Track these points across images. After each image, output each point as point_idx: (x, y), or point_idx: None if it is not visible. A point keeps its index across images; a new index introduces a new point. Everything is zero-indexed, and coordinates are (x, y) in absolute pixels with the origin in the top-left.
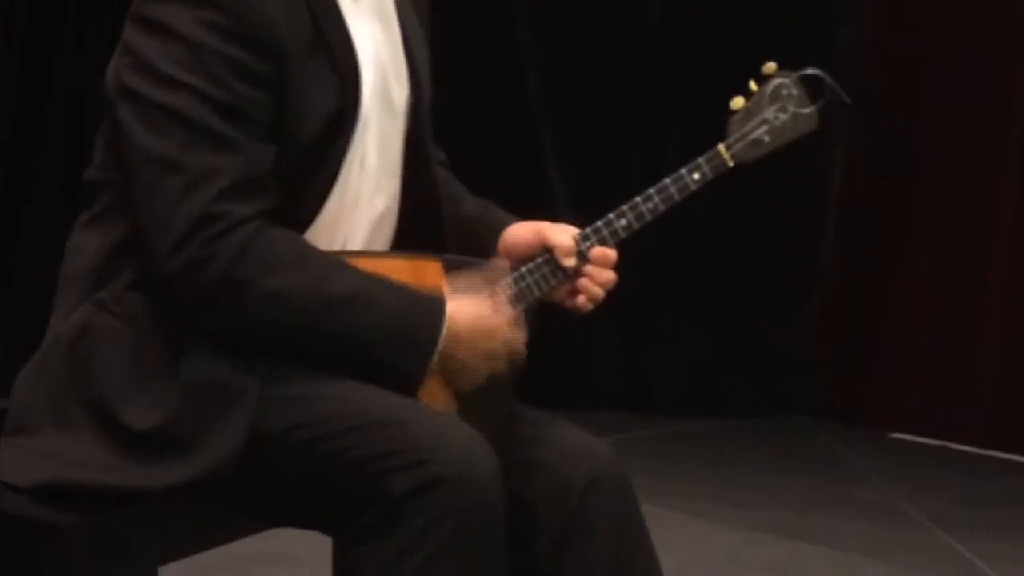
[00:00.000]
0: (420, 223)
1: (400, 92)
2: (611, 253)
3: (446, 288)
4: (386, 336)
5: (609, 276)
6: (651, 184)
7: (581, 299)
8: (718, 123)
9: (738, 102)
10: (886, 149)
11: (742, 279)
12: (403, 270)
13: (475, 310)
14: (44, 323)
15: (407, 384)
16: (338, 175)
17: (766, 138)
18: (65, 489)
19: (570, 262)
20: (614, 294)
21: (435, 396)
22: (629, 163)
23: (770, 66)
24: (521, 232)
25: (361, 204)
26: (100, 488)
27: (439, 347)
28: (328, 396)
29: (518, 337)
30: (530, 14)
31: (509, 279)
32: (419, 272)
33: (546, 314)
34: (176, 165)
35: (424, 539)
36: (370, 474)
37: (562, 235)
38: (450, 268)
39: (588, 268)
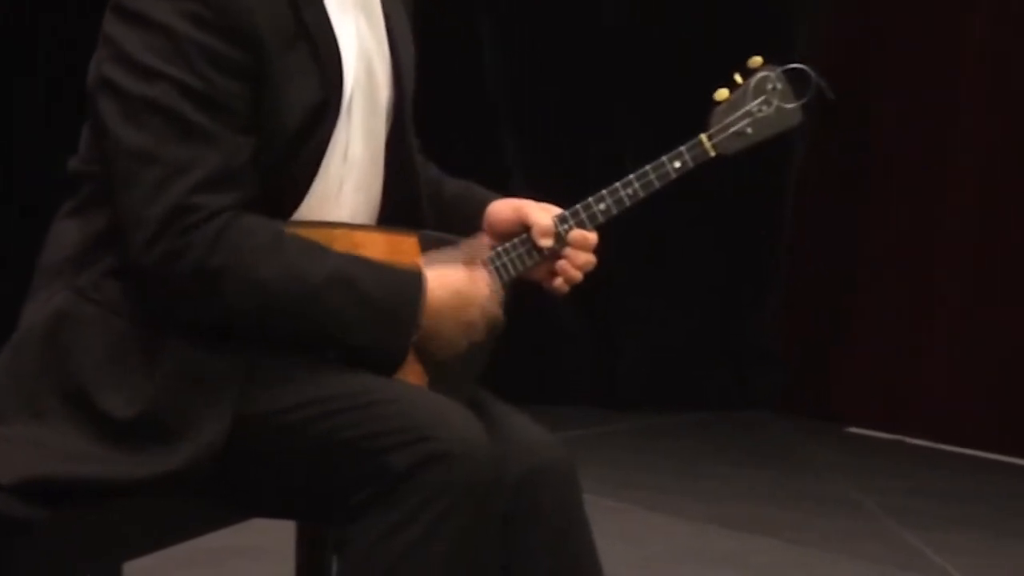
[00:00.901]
0: (401, 215)
1: (384, 85)
2: (591, 236)
3: (423, 263)
4: (367, 317)
5: (587, 259)
6: (608, 173)
7: (558, 281)
8: (677, 118)
9: (722, 93)
10: (847, 151)
11: (704, 277)
12: (380, 243)
13: (453, 281)
14: (16, 311)
15: (389, 362)
16: (319, 166)
17: (749, 130)
18: (49, 484)
19: (547, 242)
20: (584, 290)
21: (405, 369)
22: (588, 156)
23: (756, 59)
24: (503, 210)
25: (344, 196)
26: (85, 481)
27: (420, 322)
28: (315, 378)
29: (496, 305)
30: (490, 5)
31: (487, 256)
32: (395, 246)
33: (516, 309)
34: (152, 157)
35: (422, 514)
36: (368, 451)
37: (542, 215)
38: (426, 243)
39: (567, 250)
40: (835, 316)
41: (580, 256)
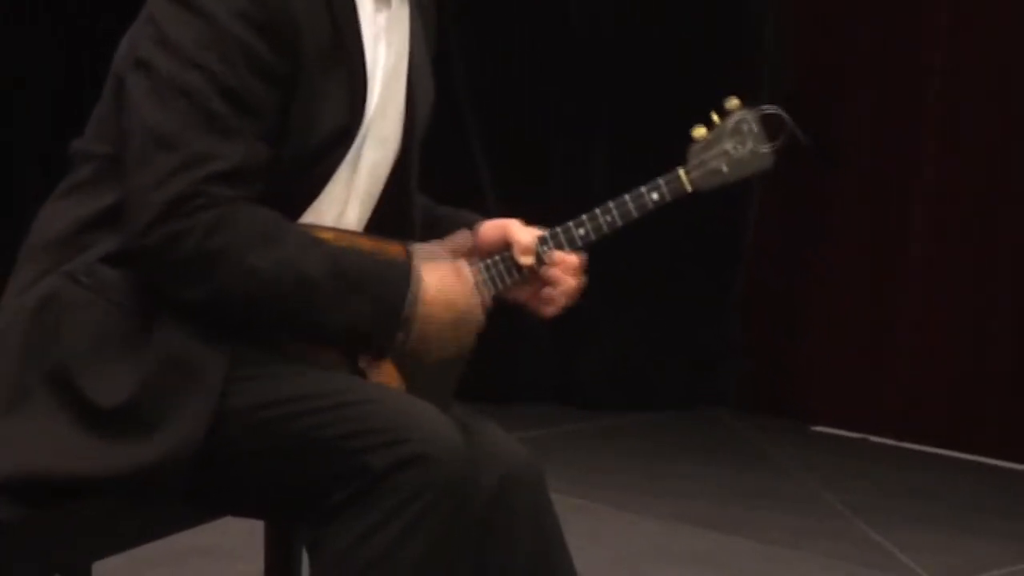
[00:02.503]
0: (390, 233)
1: (398, 116)
2: (570, 258)
3: (414, 255)
4: (358, 306)
5: (574, 283)
6: (575, 178)
7: (540, 303)
8: (642, 122)
9: (700, 132)
10: (807, 147)
11: (667, 275)
12: (368, 246)
13: (444, 283)
14: None
15: (377, 350)
16: (326, 186)
17: (724, 168)
18: (24, 482)
19: (527, 260)
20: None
21: (384, 376)
22: (554, 159)
23: (733, 101)
24: (490, 229)
25: (343, 217)
26: (62, 478)
27: (409, 312)
28: (295, 376)
29: (480, 306)
30: (459, 9)
31: (478, 265)
32: (384, 253)
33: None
34: (172, 143)
35: (399, 514)
36: (347, 451)
37: (524, 233)
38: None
39: (554, 273)
40: (798, 314)
41: (567, 281)
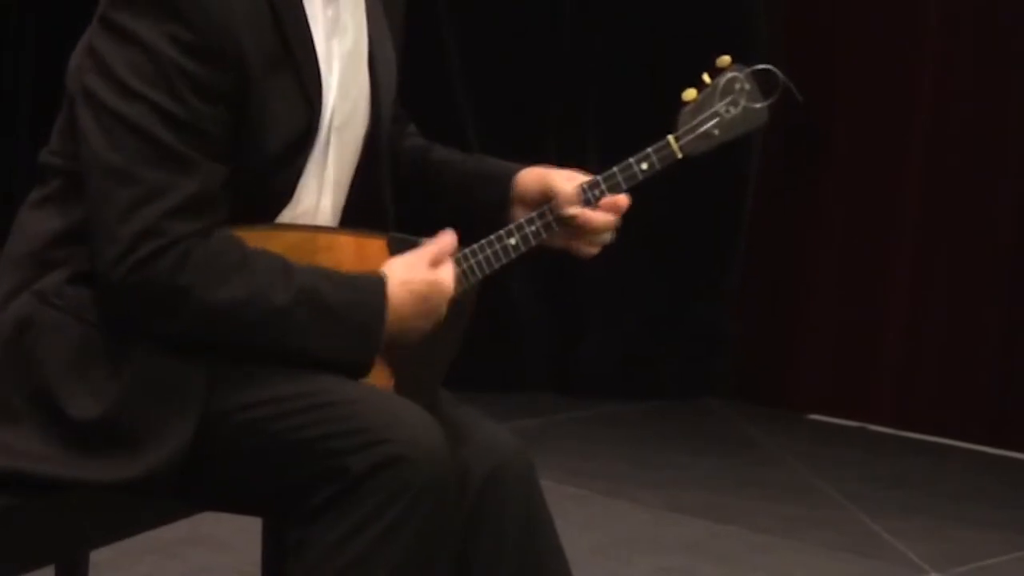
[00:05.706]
0: (363, 223)
1: (363, 109)
2: (623, 200)
3: (386, 265)
4: (333, 332)
5: (609, 220)
6: (568, 154)
7: (579, 244)
8: (640, 121)
9: (690, 94)
10: (799, 136)
11: (661, 264)
12: (348, 247)
13: (416, 287)
14: None
15: (355, 374)
16: (295, 190)
17: (716, 131)
18: (13, 478)
19: (574, 210)
20: (544, 280)
21: (372, 372)
22: (553, 159)
23: (724, 59)
24: (529, 184)
25: (317, 216)
26: (49, 479)
27: (384, 332)
28: (278, 377)
29: (450, 286)
30: (459, 8)
31: (455, 252)
32: (363, 250)
33: (476, 298)
34: (128, 177)
35: (379, 516)
36: (327, 452)
37: (567, 183)
38: (395, 246)
39: (588, 214)
40: (793, 303)
41: (602, 218)
